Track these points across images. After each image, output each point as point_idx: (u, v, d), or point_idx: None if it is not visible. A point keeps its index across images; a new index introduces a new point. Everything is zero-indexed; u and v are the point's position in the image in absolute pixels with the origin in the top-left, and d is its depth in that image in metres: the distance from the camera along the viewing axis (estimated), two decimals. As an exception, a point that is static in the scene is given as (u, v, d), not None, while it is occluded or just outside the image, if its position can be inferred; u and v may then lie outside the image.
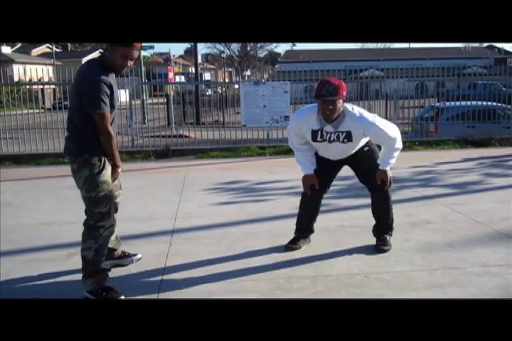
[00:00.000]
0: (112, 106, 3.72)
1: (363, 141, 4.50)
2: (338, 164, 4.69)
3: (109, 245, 4.10)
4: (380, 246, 4.63)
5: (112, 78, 3.73)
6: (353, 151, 4.55)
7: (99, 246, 3.77)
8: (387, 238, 4.71)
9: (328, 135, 4.37)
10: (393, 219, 4.75)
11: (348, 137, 4.36)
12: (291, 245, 4.74)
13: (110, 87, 3.66)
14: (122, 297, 3.77)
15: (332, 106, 4.17)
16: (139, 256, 4.50)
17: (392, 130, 4.41)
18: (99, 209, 3.74)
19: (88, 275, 3.80)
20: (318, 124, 4.36)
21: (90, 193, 3.73)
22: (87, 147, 3.74)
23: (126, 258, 4.42)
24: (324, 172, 4.65)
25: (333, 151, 4.53)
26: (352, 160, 4.63)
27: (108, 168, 3.79)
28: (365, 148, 4.59)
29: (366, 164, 4.57)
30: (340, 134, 4.34)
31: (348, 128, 4.32)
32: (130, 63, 3.71)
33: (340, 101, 4.21)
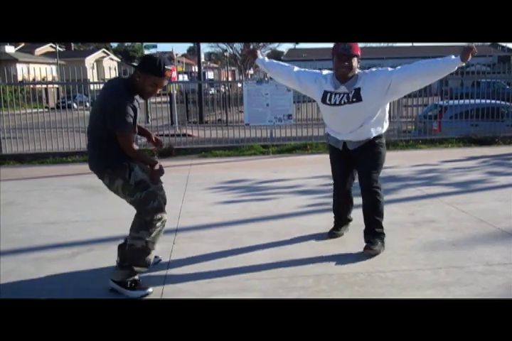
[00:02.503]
0: (134, 125, 3.81)
1: (375, 108, 4.39)
2: (347, 159, 4.67)
3: None
4: (366, 249, 4.44)
5: (136, 100, 3.80)
6: (361, 122, 4.41)
7: (152, 238, 3.83)
8: (378, 242, 4.49)
9: (340, 97, 4.35)
10: (381, 222, 4.54)
11: (357, 95, 4.30)
12: (335, 231, 4.98)
13: (134, 109, 3.74)
14: (150, 289, 3.82)
15: (347, 62, 4.22)
16: (159, 258, 4.46)
17: None
18: (151, 205, 3.81)
19: (128, 266, 3.84)
20: (332, 85, 4.40)
21: (135, 197, 3.82)
22: (109, 163, 3.81)
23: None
24: (340, 169, 4.80)
25: (341, 117, 4.45)
26: (358, 157, 4.56)
27: (136, 168, 3.81)
28: (377, 141, 4.52)
29: (367, 165, 4.53)
30: (350, 94, 4.32)
31: (358, 85, 4.32)
32: (158, 90, 3.85)
33: (355, 59, 4.26)
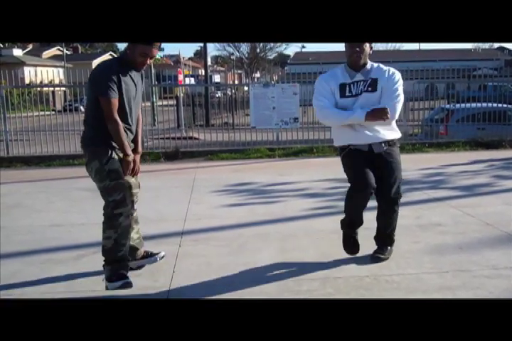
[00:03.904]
0: (122, 99, 3.81)
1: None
2: (371, 159, 4.32)
3: (132, 243, 4.17)
4: (375, 254, 4.43)
5: (130, 75, 3.86)
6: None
7: (119, 235, 3.88)
8: (387, 248, 4.49)
9: (358, 85, 4.22)
10: (393, 231, 4.51)
11: (373, 85, 4.20)
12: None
13: (118, 77, 3.75)
14: (129, 280, 3.91)
15: (359, 48, 4.14)
16: (162, 253, 4.49)
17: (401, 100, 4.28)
18: (114, 197, 3.84)
19: (106, 263, 3.96)
20: (347, 76, 4.26)
21: (103, 183, 3.85)
22: (96, 139, 3.87)
23: (149, 257, 4.43)
24: (365, 166, 4.27)
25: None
26: (382, 162, 4.30)
27: (117, 157, 3.87)
28: (397, 146, 4.39)
29: (393, 173, 4.30)
30: (367, 82, 4.22)
31: (375, 76, 4.24)
32: (149, 61, 3.83)
33: (367, 45, 4.18)
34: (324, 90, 4.29)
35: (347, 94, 4.23)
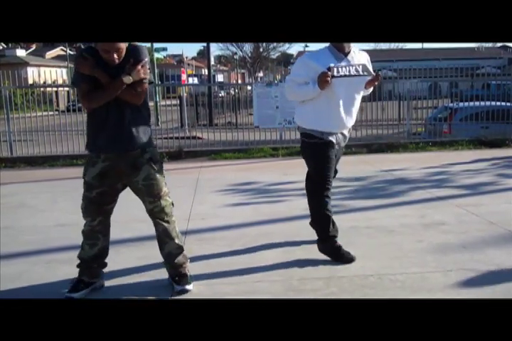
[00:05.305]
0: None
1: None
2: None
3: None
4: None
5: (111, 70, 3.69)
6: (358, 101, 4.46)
7: (84, 240, 4.05)
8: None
9: (348, 68, 4.19)
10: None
11: (367, 70, 4.29)
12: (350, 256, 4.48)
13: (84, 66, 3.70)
14: (75, 295, 3.81)
15: None
16: (186, 287, 3.93)
17: None
18: (81, 206, 4.06)
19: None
20: (334, 59, 4.21)
21: None
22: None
23: (175, 284, 3.96)
24: (333, 166, 4.50)
25: (347, 94, 4.28)
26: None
27: (90, 166, 3.95)
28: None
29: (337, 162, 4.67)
30: (358, 67, 4.24)
31: (363, 62, 4.32)
32: (117, 54, 3.63)
33: None
34: (302, 72, 4.30)
35: (334, 74, 4.13)
